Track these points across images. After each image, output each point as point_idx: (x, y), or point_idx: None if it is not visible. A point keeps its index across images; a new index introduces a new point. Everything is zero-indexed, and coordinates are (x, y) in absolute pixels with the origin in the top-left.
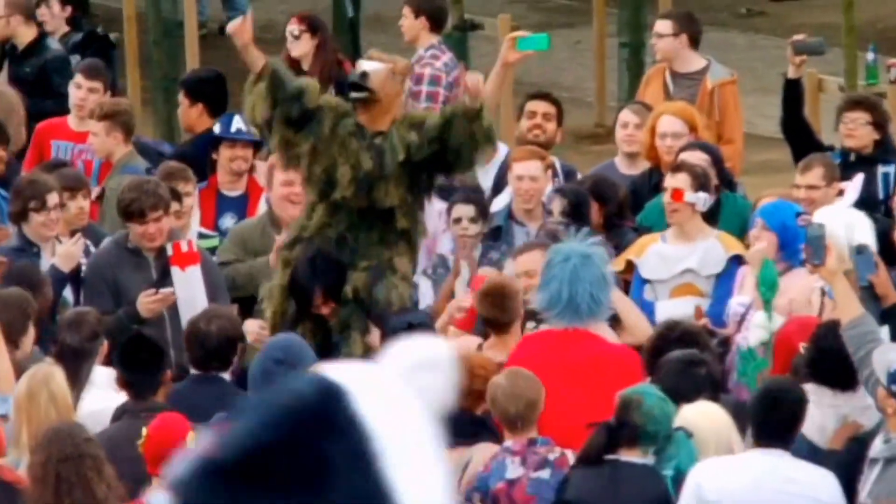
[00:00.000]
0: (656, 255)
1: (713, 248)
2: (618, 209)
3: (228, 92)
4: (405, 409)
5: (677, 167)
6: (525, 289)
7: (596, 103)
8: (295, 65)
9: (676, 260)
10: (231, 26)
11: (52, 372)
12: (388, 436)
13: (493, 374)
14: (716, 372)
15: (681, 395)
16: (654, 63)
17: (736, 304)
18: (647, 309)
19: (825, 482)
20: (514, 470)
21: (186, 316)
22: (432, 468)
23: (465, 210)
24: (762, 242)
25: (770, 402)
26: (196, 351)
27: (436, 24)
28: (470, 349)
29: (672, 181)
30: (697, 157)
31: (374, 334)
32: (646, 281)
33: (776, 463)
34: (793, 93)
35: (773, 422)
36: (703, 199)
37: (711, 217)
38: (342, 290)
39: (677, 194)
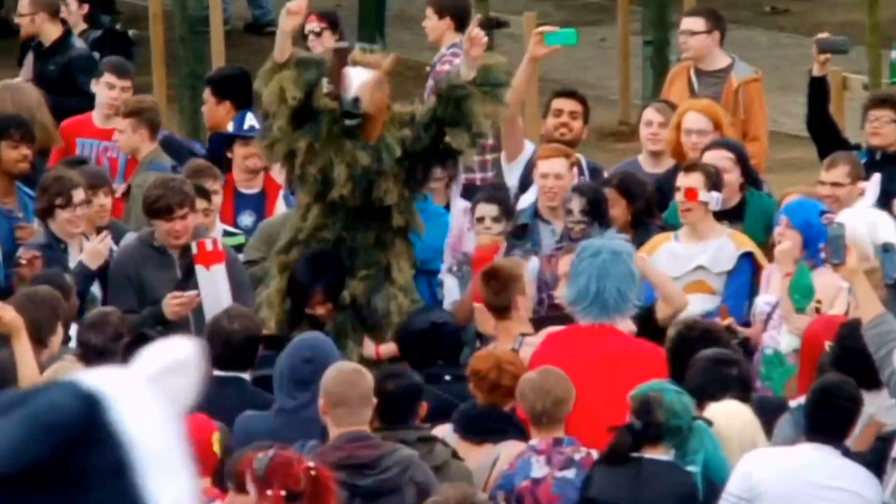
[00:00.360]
0: (668, 253)
1: (725, 245)
2: (645, 206)
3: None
4: (158, 415)
5: (690, 167)
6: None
7: (620, 101)
8: None
9: (688, 258)
10: (294, 4)
11: (72, 369)
12: (144, 445)
13: (521, 370)
14: (746, 372)
15: (709, 393)
16: (679, 61)
17: (762, 303)
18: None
19: (870, 482)
20: (539, 469)
21: (210, 315)
22: (182, 476)
23: (488, 209)
24: (788, 242)
25: (825, 398)
26: (218, 349)
27: (460, 24)
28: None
29: (685, 181)
30: (722, 156)
31: (369, 346)
32: None
33: (826, 458)
34: (818, 91)
35: (826, 418)
36: (715, 199)
37: (736, 215)
38: (341, 292)
39: (691, 194)
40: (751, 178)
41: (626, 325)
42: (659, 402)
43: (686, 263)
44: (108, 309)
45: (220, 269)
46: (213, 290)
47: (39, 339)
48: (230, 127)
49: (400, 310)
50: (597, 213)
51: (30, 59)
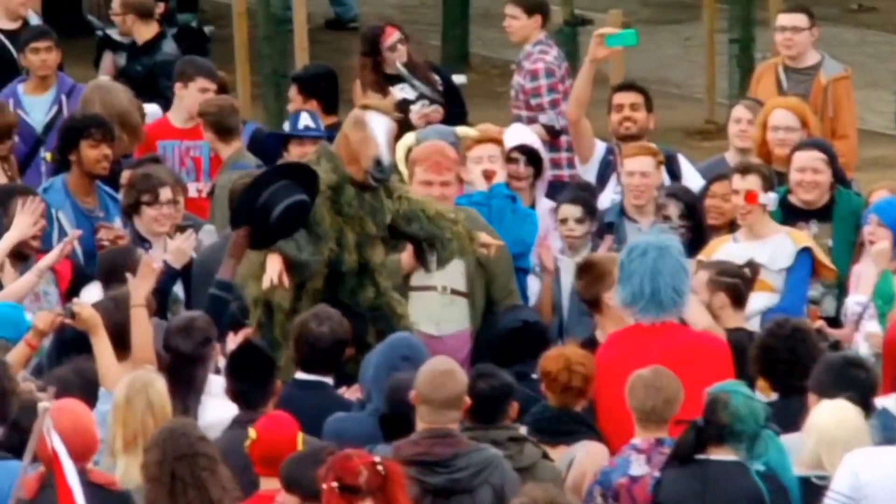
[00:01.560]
0: (727, 255)
1: (783, 243)
2: None
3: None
4: None
5: (746, 169)
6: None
7: (706, 99)
8: (382, 75)
9: (747, 257)
10: None
11: (151, 379)
12: None
13: (591, 371)
14: (874, 378)
15: (829, 392)
16: (764, 58)
17: (853, 303)
18: None
19: None
20: (638, 467)
21: None
22: None
23: (572, 210)
24: (883, 242)
25: None
26: (305, 352)
27: (545, 20)
28: None
29: (743, 183)
30: (814, 157)
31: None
32: None
33: None
34: None
35: None
36: (773, 199)
37: (825, 214)
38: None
39: (751, 196)
40: (839, 177)
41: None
42: (725, 403)
43: None
44: (195, 314)
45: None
46: None
47: (124, 342)
48: (286, 126)
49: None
50: (694, 215)
51: (108, 58)
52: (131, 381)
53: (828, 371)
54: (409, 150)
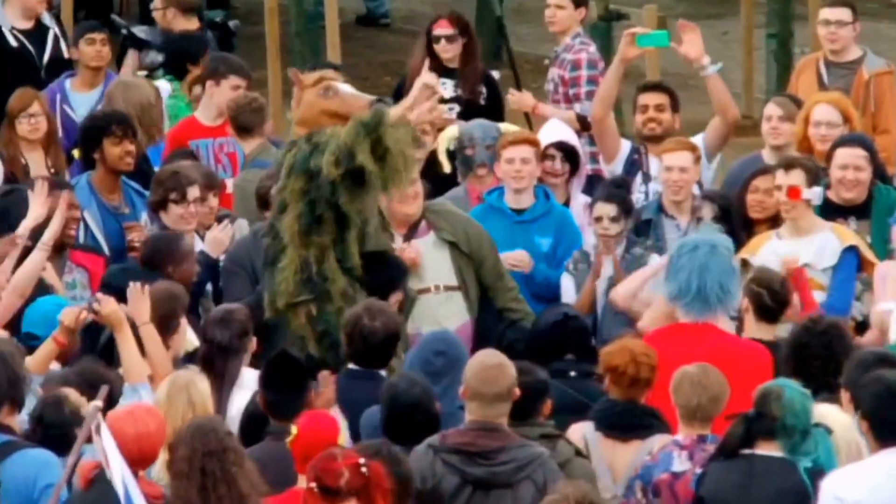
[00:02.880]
0: (771, 252)
1: (828, 240)
2: None
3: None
4: None
5: (790, 164)
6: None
7: (743, 94)
8: (438, 64)
9: (792, 255)
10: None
11: (193, 379)
12: None
13: (656, 361)
14: None
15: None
16: (803, 53)
17: (884, 307)
18: None
19: None
20: (680, 463)
21: None
22: None
23: (607, 209)
24: None
25: (892, 400)
26: (357, 346)
27: (587, 15)
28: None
29: (787, 179)
30: (856, 154)
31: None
32: None
33: None
34: None
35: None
36: (817, 194)
37: (864, 211)
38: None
39: (794, 192)
40: (879, 173)
41: (726, 324)
42: (778, 395)
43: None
44: (234, 306)
45: None
46: None
47: (168, 328)
48: None
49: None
50: (729, 217)
51: (132, 55)
52: (174, 379)
53: (859, 367)
54: (450, 141)
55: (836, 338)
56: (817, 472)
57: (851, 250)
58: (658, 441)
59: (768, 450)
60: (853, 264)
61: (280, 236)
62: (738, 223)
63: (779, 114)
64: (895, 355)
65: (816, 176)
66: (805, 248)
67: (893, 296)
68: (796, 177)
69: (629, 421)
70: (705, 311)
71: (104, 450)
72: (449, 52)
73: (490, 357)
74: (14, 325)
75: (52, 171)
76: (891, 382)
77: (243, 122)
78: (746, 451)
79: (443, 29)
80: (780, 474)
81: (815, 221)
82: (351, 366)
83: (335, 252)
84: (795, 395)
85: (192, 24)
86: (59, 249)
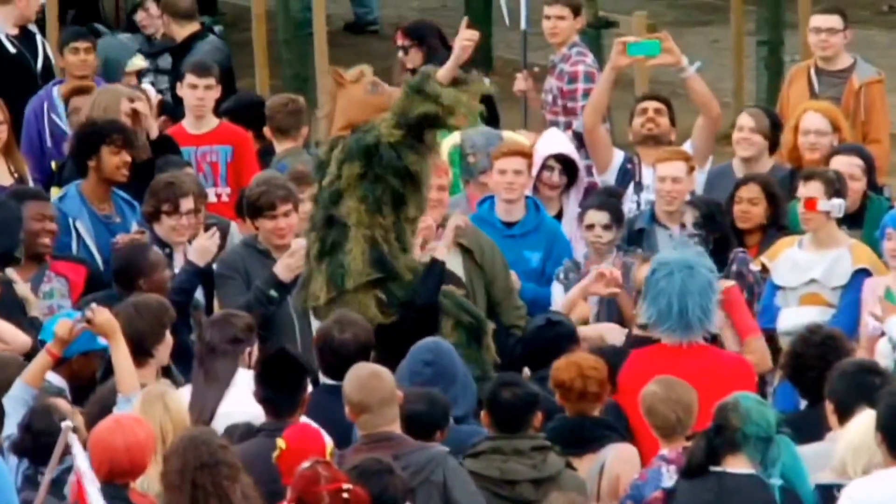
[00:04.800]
0: (789, 260)
1: (842, 258)
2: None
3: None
4: None
5: (809, 175)
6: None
7: (733, 102)
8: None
9: (806, 268)
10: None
11: (166, 389)
12: None
13: (604, 374)
14: (890, 383)
15: (850, 402)
16: (794, 61)
17: (872, 322)
18: (773, 315)
19: None
20: (670, 478)
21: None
22: None
23: (599, 217)
24: None
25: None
26: (330, 359)
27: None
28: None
29: (804, 190)
30: (852, 163)
31: None
32: (778, 287)
33: None
34: None
35: None
36: (838, 206)
37: (855, 220)
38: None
39: (810, 203)
40: (871, 183)
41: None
42: (734, 406)
43: (803, 274)
44: (237, 312)
45: None
46: None
47: (145, 350)
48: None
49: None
50: (710, 225)
51: None
52: (147, 390)
53: (842, 377)
54: (454, 147)
55: (831, 349)
56: (789, 492)
57: (863, 272)
58: (612, 450)
59: (737, 466)
60: (861, 287)
61: (334, 225)
62: (728, 227)
63: (751, 125)
64: (879, 365)
65: (836, 188)
66: (819, 262)
67: (877, 311)
68: (814, 188)
69: (580, 436)
70: (688, 334)
71: (78, 469)
72: (408, 62)
73: (362, 369)
74: None
75: (16, 176)
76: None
77: (279, 123)
78: (717, 469)
79: (399, 40)
80: (750, 492)
81: (836, 236)
82: (324, 380)
83: (394, 232)
84: (752, 403)
85: (188, 29)
86: (37, 260)
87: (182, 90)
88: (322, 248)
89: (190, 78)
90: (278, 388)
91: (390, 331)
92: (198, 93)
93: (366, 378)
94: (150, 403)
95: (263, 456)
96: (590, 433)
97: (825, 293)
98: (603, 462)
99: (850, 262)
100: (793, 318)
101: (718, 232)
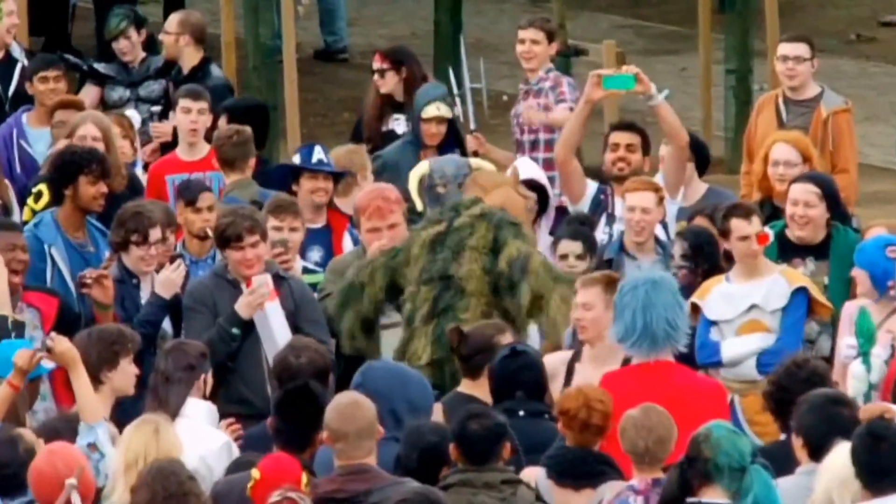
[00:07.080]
0: (721, 295)
1: (777, 282)
2: None
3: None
4: None
5: (748, 212)
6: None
7: (702, 132)
8: (387, 99)
9: (741, 298)
10: None
11: (161, 419)
12: None
13: (610, 408)
14: (856, 414)
15: (819, 434)
16: (762, 90)
17: (846, 346)
18: (714, 349)
19: None
20: None
21: (269, 354)
22: None
23: (572, 247)
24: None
25: (878, 444)
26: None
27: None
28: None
29: (751, 227)
30: (807, 189)
31: None
32: (713, 323)
33: None
34: None
35: (884, 466)
36: (769, 233)
37: (822, 251)
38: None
39: (763, 238)
40: (838, 213)
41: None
42: (706, 437)
43: (739, 304)
44: (189, 341)
45: (273, 308)
46: (267, 328)
47: (93, 376)
48: (297, 159)
49: None
50: (699, 256)
51: (93, 91)
52: (145, 416)
53: (810, 410)
54: (422, 178)
55: (816, 385)
56: None
57: (801, 292)
58: (609, 488)
59: (712, 496)
60: (803, 305)
61: (450, 287)
62: (718, 258)
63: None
64: (846, 396)
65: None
66: (754, 290)
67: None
68: (757, 223)
69: (581, 469)
70: (654, 349)
71: None
72: (383, 85)
73: (344, 397)
74: None
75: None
76: (876, 429)
77: (224, 154)
78: (692, 500)
79: (377, 63)
80: None
81: (766, 265)
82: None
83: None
84: (724, 433)
85: (198, 55)
86: (9, 291)
87: (176, 117)
88: (433, 310)
89: (184, 102)
90: (295, 422)
91: None
92: (191, 116)
93: (345, 406)
94: (142, 425)
95: (239, 488)
96: (591, 468)
97: (765, 318)
98: (601, 499)
99: (786, 285)
100: (737, 346)
101: (707, 263)
